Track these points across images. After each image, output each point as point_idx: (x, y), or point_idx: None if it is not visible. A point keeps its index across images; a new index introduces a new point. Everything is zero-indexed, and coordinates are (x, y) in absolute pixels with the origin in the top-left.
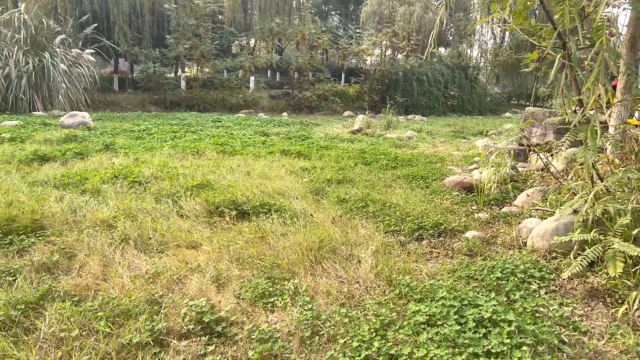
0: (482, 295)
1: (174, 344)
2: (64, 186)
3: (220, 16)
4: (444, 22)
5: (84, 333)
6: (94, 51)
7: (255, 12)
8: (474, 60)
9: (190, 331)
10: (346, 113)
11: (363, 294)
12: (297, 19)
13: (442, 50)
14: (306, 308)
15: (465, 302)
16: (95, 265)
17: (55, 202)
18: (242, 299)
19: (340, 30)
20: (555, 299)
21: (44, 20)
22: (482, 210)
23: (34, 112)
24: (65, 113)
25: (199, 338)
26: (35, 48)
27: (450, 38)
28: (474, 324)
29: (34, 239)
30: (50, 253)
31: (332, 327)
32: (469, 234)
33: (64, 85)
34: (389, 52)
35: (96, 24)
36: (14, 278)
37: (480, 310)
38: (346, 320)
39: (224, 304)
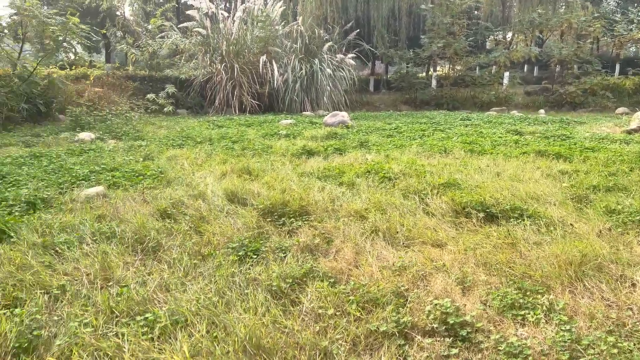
0: None
1: (418, 339)
2: (325, 178)
3: (476, 12)
4: None
5: (337, 313)
6: (354, 55)
7: (515, 3)
8: None
9: (434, 330)
10: (619, 110)
11: (638, 323)
12: (563, 7)
13: None
14: (563, 328)
15: None
16: (349, 252)
17: (318, 192)
18: (489, 306)
19: (617, 15)
20: None
21: (315, 30)
22: None
23: (304, 112)
24: (328, 113)
25: (442, 338)
26: (308, 55)
27: None
28: None
29: (301, 222)
30: (313, 236)
31: (596, 356)
32: None
33: (328, 87)
34: None
35: (358, 30)
36: (284, 255)
37: None
38: (614, 350)
39: (469, 308)
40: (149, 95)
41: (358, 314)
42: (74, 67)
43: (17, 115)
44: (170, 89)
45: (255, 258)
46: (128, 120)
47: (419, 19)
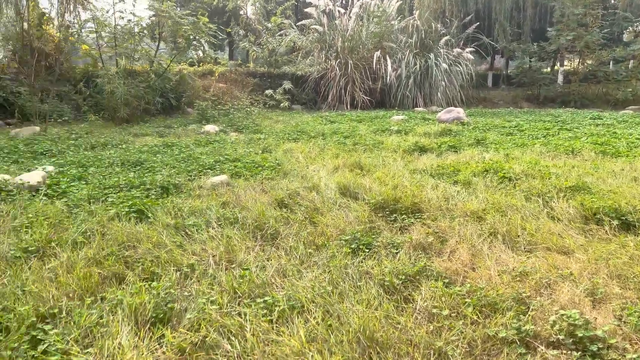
0: None
1: (542, 350)
2: (439, 176)
3: (612, 1)
4: None
5: (452, 314)
6: (473, 49)
7: None
8: None
9: (560, 342)
10: None
11: None
12: None
13: None
14: None
15: None
16: (464, 253)
17: (431, 190)
18: (624, 322)
19: None
20: None
21: (432, 24)
22: None
23: (416, 108)
24: (442, 109)
25: (569, 352)
26: (423, 50)
27: None
28: None
29: (413, 219)
30: (426, 234)
31: None
32: None
33: (443, 83)
34: None
35: (478, 23)
36: (397, 251)
37: None
38: None
39: (601, 322)
40: (267, 91)
41: (475, 317)
42: (201, 64)
43: (152, 108)
44: (287, 85)
45: (368, 252)
46: (248, 115)
47: (545, 10)
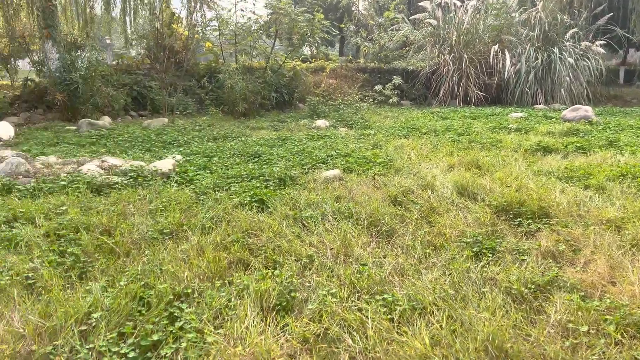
0: None
1: None
2: (567, 179)
3: None
4: None
5: (591, 331)
6: (604, 42)
7: None
8: None
9: None
10: None
11: None
12: None
13: None
14: None
15: None
16: (602, 265)
17: (559, 193)
18: None
19: None
20: None
21: (557, 16)
22: None
23: (536, 105)
24: (566, 107)
25: None
26: (546, 44)
27: None
28: None
29: (540, 225)
30: (556, 242)
31: None
32: None
33: (567, 79)
34: None
35: (611, 14)
36: (523, 258)
37: None
38: None
39: None
40: (376, 87)
41: (618, 337)
42: (313, 60)
43: (267, 102)
44: (397, 80)
45: (491, 257)
46: (357, 110)
47: None
